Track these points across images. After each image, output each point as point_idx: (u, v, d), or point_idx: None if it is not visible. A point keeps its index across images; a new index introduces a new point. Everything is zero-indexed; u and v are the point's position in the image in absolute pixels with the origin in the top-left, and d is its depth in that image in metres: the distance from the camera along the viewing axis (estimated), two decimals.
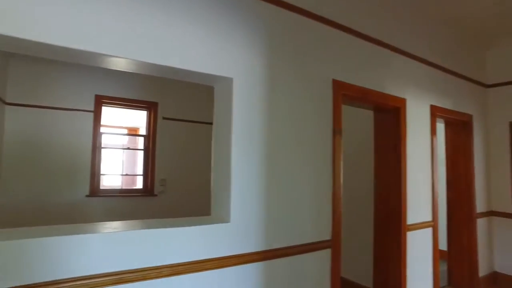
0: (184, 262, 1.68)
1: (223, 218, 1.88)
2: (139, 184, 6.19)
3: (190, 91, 5.46)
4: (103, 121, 4.90)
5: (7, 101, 4.15)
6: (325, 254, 2.31)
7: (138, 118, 5.91)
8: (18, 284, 1.30)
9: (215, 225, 1.79)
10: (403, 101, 2.94)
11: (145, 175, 5.17)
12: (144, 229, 1.60)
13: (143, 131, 5.87)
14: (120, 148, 5.65)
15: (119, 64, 1.70)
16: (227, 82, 1.93)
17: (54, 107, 4.47)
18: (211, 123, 5.41)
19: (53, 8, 1.41)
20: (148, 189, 5.13)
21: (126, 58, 1.59)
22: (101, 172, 4.88)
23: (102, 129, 4.87)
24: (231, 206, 1.84)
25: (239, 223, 1.88)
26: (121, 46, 1.57)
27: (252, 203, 1.95)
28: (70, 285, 1.40)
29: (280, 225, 2.07)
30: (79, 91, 4.65)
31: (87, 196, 4.67)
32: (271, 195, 2.03)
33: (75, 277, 1.42)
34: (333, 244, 2.36)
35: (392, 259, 2.88)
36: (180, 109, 5.37)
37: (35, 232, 1.44)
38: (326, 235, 2.33)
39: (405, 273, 2.84)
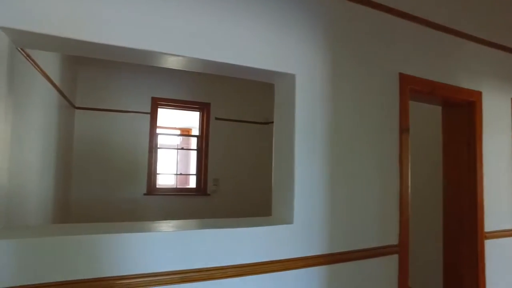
0: (248, 263, 1.63)
1: (286, 219, 1.80)
2: (192, 183, 6.35)
3: (242, 91, 5.48)
4: (159, 122, 5.09)
5: (76, 105, 4.47)
6: (392, 260, 2.15)
7: (191, 119, 6.07)
8: (90, 277, 1.34)
9: (279, 226, 1.73)
10: (478, 94, 2.65)
11: (198, 174, 5.28)
12: (207, 228, 1.58)
13: (195, 131, 6.01)
14: (174, 149, 5.83)
15: (180, 63, 1.69)
16: (289, 78, 1.86)
17: (115, 110, 4.73)
18: (263, 123, 5.46)
19: (117, 11, 1.43)
20: (201, 189, 5.23)
21: (186, 56, 1.58)
22: (157, 172, 5.07)
23: (157, 130, 5.06)
24: (294, 207, 1.77)
25: (303, 225, 1.79)
26: (181, 45, 1.56)
27: (316, 204, 1.85)
28: (138, 281, 1.41)
29: (344, 227, 1.95)
30: (137, 94, 4.88)
31: (144, 194, 4.88)
32: (335, 196, 1.92)
33: (142, 274, 1.43)
34: (400, 249, 2.18)
35: (467, 270, 2.60)
36: (232, 110, 5.41)
37: (106, 228, 1.47)
38: (393, 240, 2.16)
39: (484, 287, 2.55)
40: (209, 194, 5.22)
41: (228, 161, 5.33)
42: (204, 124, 5.25)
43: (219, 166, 5.28)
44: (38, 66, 2.49)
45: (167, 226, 1.59)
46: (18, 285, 1.22)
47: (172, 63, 1.71)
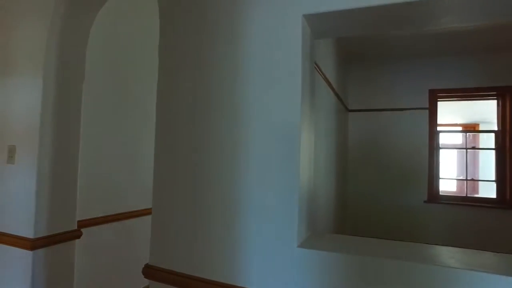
0: None
1: None
2: (482, 191, 5.07)
3: None
4: (439, 118, 4.32)
5: (349, 108, 4.51)
6: None
7: (480, 111, 4.85)
8: None
9: None
10: None
11: (500, 181, 4.03)
12: None
13: (485, 126, 4.73)
14: (461, 148, 4.81)
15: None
16: None
17: (388, 109, 4.41)
18: None
19: None
20: (505, 200, 3.97)
21: None
22: (440, 176, 4.29)
23: (438, 128, 4.30)
24: None
25: None
26: None
27: None
28: None
29: None
30: (412, 89, 4.35)
31: (425, 202, 4.24)
32: None
33: None
34: None
35: None
36: None
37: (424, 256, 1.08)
38: None
39: None
40: None
41: None
42: (507, 115, 3.96)
43: None
44: (321, 71, 2.52)
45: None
46: None
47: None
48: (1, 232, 1.80)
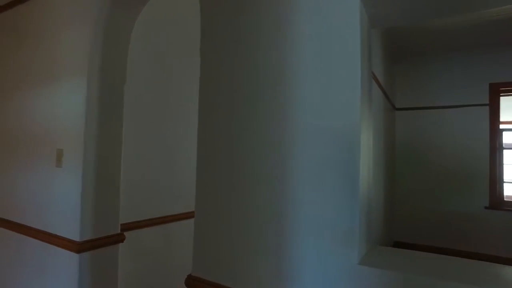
0: None
1: None
2: None
3: None
4: (502, 115, 3.90)
5: (397, 106, 4.22)
6: None
7: None
8: None
9: None
10: None
11: None
12: None
13: None
14: None
15: None
16: None
17: (440, 106, 4.07)
18: None
19: None
20: None
21: None
22: (504, 179, 3.87)
23: (501, 126, 3.88)
24: None
25: None
26: None
27: None
28: None
29: None
30: (468, 83, 3.97)
31: (486, 208, 3.85)
32: None
33: None
34: None
35: None
36: None
37: None
38: None
39: None
40: None
41: None
42: None
43: None
44: None
45: None
46: None
47: None
48: (51, 233, 1.83)
